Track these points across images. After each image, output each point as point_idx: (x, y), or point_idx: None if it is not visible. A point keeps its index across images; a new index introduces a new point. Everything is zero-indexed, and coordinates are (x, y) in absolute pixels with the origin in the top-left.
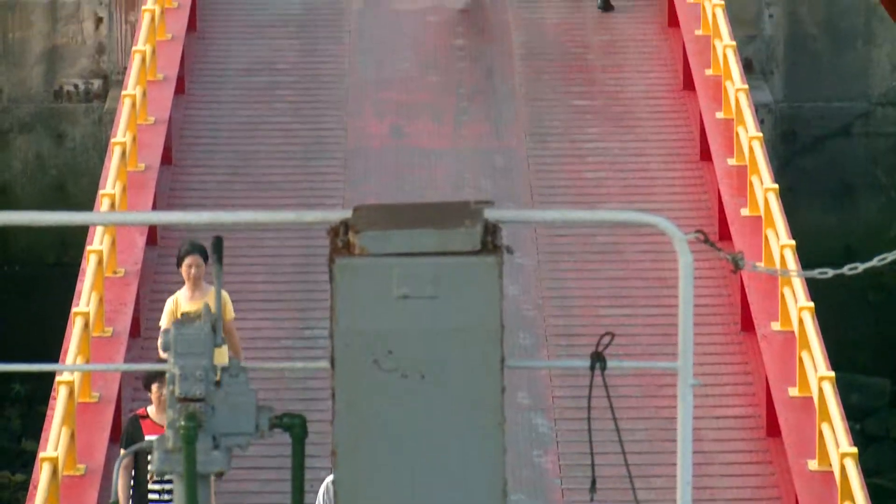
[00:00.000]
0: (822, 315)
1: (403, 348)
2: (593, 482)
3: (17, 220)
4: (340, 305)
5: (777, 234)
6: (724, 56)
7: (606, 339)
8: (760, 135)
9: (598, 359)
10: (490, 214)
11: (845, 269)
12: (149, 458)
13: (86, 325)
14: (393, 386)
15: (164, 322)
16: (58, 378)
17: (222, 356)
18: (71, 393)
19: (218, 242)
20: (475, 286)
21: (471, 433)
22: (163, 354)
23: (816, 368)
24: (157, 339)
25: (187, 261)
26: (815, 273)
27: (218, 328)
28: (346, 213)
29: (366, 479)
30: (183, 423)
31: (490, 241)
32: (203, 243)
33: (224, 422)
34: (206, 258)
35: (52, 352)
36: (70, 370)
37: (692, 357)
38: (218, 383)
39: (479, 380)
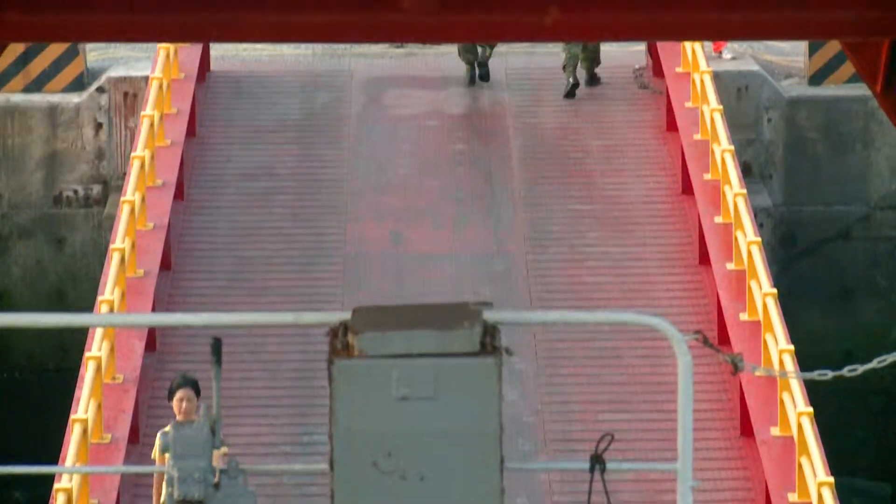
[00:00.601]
0: (821, 419)
1: (403, 450)
2: None
3: (17, 321)
4: (339, 407)
5: (776, 339)
6: (723, 160)
7: (606, 441)
8: (759, 239)
9: (597, 461)
10: (489, 316)
11: (845, 371)
12: None
13: (84, 431)
14: (392, 488)
15: (157, 457)
16: (56, 485)
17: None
18: (69, 500)
19: (217, 344)
20: (474, 387)
21: None
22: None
23: (816, 474)
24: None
25: (179, 394)
26: (815, 374)
27: (217, 430)
28: (346, 315)
29: None
30: None
31: (489, 342)
32: (195, 376)
33: None
34: (198, 392)
35: (53, 458)
36: (68, 472)
37: (692, 458)
38: (217, 485)
39: (478, 481)
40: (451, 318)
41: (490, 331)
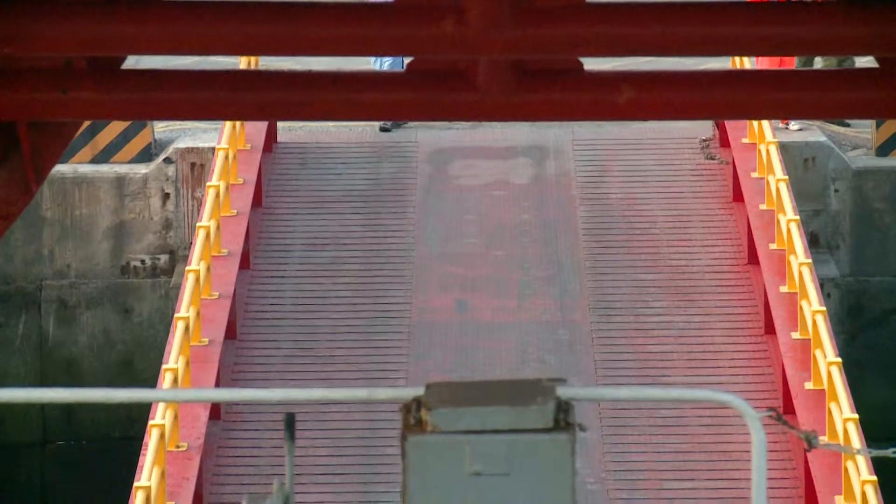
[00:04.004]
0: (886, 488)
1: None
2: None
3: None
4: (413, 483)
5: (840, 408)
6: (788, 230)
7: None
8: (824, 308)
9: None
10: (562, 392)
11: None
12: None
13: (147, 499)
14: None
15: None
16: None
17: None
18: None
19: (290, 420)
20: (548, 464)
21: None
22: None
23: None
24: None
25: None
26: (889, 452)
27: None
28: (419, 391)
29: None
30: None
31: (562, 418)
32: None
33: None
34: None
35: None
36: None
37: None
38: None
39: None
40: (525, 394)
41: (563, 407)
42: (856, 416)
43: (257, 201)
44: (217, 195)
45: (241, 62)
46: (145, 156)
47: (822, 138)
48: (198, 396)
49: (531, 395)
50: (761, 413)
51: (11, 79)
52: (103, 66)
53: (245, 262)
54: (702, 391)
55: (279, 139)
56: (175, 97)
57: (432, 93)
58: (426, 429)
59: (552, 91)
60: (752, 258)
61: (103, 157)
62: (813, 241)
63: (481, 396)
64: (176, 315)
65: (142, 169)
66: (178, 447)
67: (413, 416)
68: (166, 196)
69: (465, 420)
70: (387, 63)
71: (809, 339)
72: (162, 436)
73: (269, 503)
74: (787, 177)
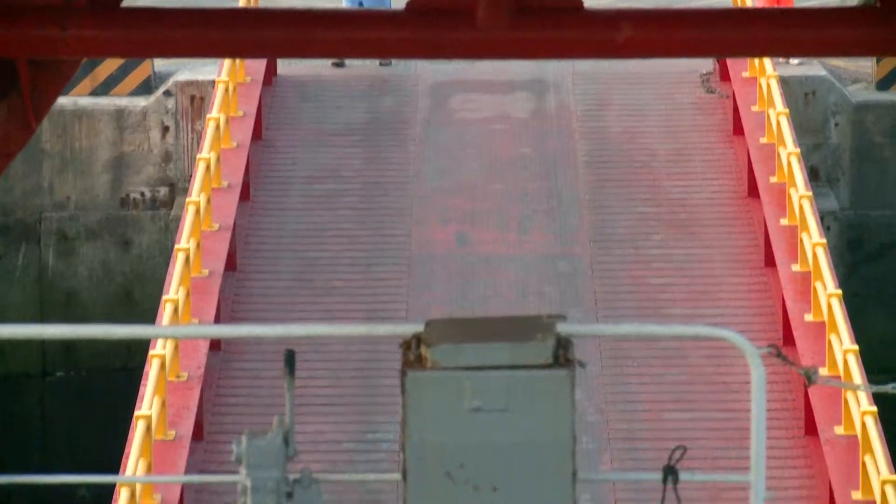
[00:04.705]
0: (885, 418)
1: (475, 461)
2: None
3: (90, 333)
4: (412, 418)
5: (840, 340)
6: (789, 163)
7: (679, 453)
8: (824, 241)
9: (670, 472)
10: (562, 328)
11: None
12: None
13: (148, 428)
14: (465, 498)
15: None
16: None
17: None
18: (133, 496)
19: (290, 356)
20: (547, 400)
21: None
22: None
23: (879, 472)
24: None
25: None
26: (888, 388)
27: (290, 440)
28: (419, 327)
29: None
30: None
31: (562, 354)
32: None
33: None
34: None
35: (118, 456)
36: (132, 481)
37: (765, 471)
38: (290, 495)
39: (551, 493)
40: (525, 331)
41: (563, 343)
42: (855, 347)
43: (257, 134)
44: (217, 127)
45: (241, 0)
46: (145, 88)
47: (823, 72)
48: (198, 333)
49: (531, 331)
50: (761, 349)
51: (11, 16)
52: (103, 3)
53: (245, 195)
54: (701, 327)
55: (279, 72)
56: (174, 35)
57: (432, 31)
58: (426, 365)
59: (551, 29)
60: (753, 191)
61: (103, 89)
62: (813, 175)
63: (481, 333)
64: (176, 246)
65: (141, 102)
66: (178, 377)
67: (413, 353)
68: (166, 129)
69: (464, 356)
70: (367, 2)
71: (809, 272)
72: (162, 366)
73: (269, 438)
74: (787, 110)
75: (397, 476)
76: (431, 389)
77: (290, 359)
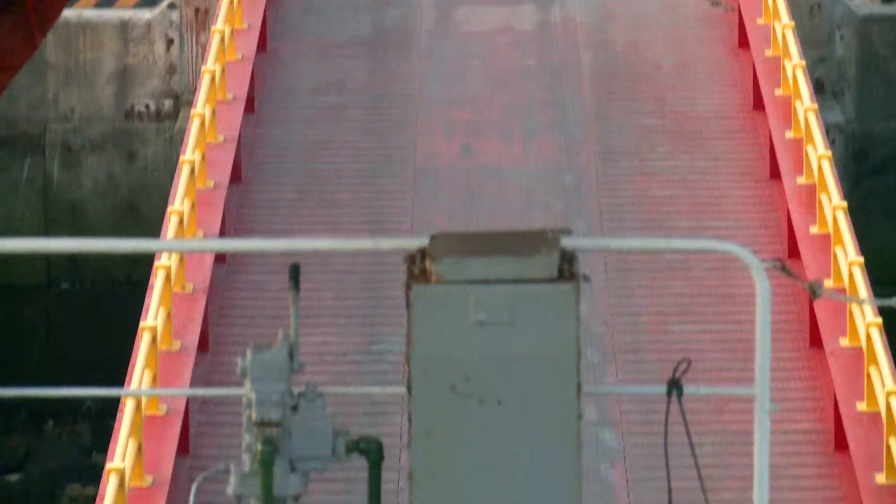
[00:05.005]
0: (890, 330)
1: (480, 374)
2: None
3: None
4: (417, 332)
5: (846, 252)
6: (794, 76)
7: (683, 366)
8: (829, 153)
9: (674, 385)
10: (567, 242)
11: None
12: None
13: (153, 339)
14: (470, 411)
15: None
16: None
17: None
18: (138, 405)
19: (295, 270)
20: (552, 314)
21: (547, 459)
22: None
23: (884, 383)
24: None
25: None
26: (893, 302)
27: (295, 353)
28: (423, 241)
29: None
30: (260, 447)
31: (567, 268)
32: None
33: (301, 446)
34: None
35: (123, 368)
36: (138, 394)
37: (769, 383)
38: (294, 408)
39: (555, 406)
40: (530, 245)
41: (568, 257)
42: (861, 259)
43: (262, 46)
44: (222, 39)
45: None
46: (149, 1)
47: None
48: (202, 247)
49: (536, 245)
50: (765, 262)
51: None
52: None
53: (250, 107)
54: (706, 241)
55: None
56: None
57: None
58: (431, 279)
59: None
60: (758, 104)
61: (107, 1)
62: (818, 88)
63: (486, 246)
64: (181, 158)
65: (146, 14)
66: (183, 289)
67: (418, 266)
68: (170, 41)
69: (469, 270)
70: None
71: (815, 184)
72: (168, 277)
73: (273, 352)
74: (792, 23)
75: (402, 389)
76: (436, 303)
77: (294, 273)
